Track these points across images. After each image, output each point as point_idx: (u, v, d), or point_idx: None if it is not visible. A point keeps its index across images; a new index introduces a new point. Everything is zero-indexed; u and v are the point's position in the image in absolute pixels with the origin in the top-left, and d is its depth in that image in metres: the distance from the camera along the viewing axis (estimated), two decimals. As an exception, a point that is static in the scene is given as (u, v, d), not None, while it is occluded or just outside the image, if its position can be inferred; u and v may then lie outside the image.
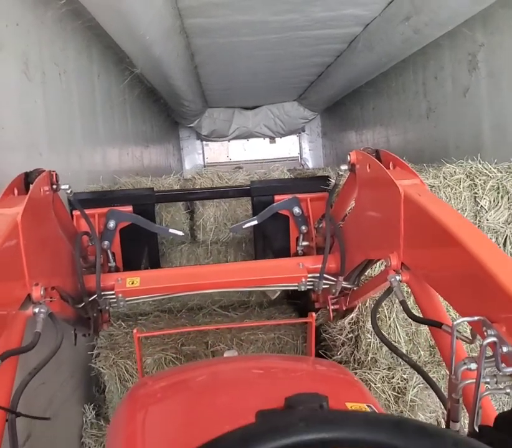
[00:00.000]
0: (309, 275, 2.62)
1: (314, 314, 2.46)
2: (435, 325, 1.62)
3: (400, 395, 2.98)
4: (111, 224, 2.94)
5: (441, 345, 1.69)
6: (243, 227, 3.09)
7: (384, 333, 2.78)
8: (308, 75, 7.99)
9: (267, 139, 11.73)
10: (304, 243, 3.10)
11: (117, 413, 1.79)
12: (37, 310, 1.68)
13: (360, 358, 3.13)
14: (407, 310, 1.79)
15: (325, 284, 2.64)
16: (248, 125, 10.91)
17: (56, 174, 2.21)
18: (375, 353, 3.10)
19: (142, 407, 1.73)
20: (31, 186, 1.96)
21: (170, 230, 3.07)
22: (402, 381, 3.00)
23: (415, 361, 2.00)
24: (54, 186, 2.20)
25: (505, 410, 1.35)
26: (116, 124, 5.55)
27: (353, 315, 3.10)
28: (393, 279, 1.84)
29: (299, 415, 0.88)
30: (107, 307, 2.62)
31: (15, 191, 1.95)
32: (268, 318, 4.04)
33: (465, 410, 1.35)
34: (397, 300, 3.08)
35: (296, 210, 3.06)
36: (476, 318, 1.28)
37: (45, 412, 2.85)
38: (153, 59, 4.83)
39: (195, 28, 4.90)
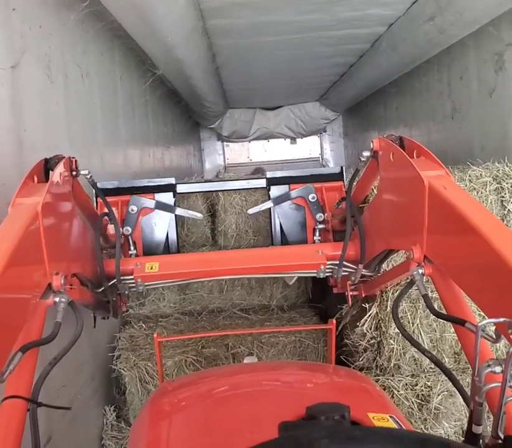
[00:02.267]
0: (328, 262, 2.57)
1: (334, 321, 2.41)
2: (458, 322, 1.57)
3: (424, 402, 2.93)
4: (133, 209, 2.99)
5: (465, 342, 1.64)
6: (259, 209, 3.22)
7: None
8: (330, 75, 7.93)
9: (288, 140, 11.66)
10: (321, 226, 3.07)
11: (138, 420, 1.78)
12: (57, 299, 1.69)
13: (382, 364, 3.09)
14: (429, 305, 1.74)
15: (344, 271, 2.59)
16: (269, 126, 10.87)
17: (75, 160, 2.20)
18: (398, 360, 3.05)
19: (163, 415, 1.71)
20: (51, 173, 1.95)
21: (190, 212, 3.22)
22: (425, 388, 2.95)
23: (437, 357, 1.93)
24: (74, 173, 2.19)
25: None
26: (138, 125, 5.56)
27: (369, 320, 3.06)
28: (416, 272, 1.79)
29: (322, 431, 0.86)
30: (126, 292, 2.62)
31: (35, 179, 1.94)
32: (289, 321, 4.01)
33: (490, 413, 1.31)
34: (420, 305, 3.06)
35: (312, 196, 3.07)
36: (501, 319, 1.24)
37: (65, 414, 2.85)
38: (175, 60, 4.82)
39: (217, 29, 4.88)
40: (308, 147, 11.90)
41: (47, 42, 3.01)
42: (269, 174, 3.29)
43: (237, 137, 11.06)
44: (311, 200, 3.07)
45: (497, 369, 1.19)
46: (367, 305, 3.13)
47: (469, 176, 3.18)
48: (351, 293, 2.75)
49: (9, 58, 2.51)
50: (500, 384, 1.15)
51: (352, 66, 7.02)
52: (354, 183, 2.62)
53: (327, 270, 2.60)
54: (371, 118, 9.21)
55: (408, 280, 1.94)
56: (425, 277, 1.81)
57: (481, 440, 1.24)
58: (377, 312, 3.08)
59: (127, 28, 3.92)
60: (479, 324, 1.24)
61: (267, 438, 0.85)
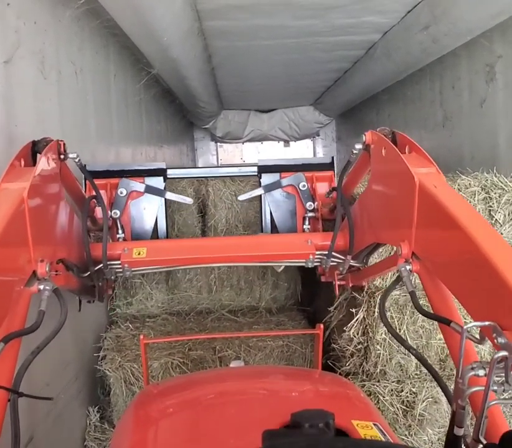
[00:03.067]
0: (317, 252, 2.59)
1: (322, 326, 2.41)
2: (443, 321, 1.58)
3: (408, 409, 2.94)
4: (122, 192, 2.97)
5: (450, 342, 1.64)
6: (250, 196, 3.26)
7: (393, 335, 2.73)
8: (325, 80, 7.96)
9: (281, 142, 11.68)
10: (311, 214, 3.08)
11: (121, 423, 1.77)
12: (42, 286, 1.66)
13: (369, 369, 3.09)
14: (415, 302, 1.74)
15: (333, 261, 2.61)
16: (263, 128, 10.88)
17: (64, 143, 2.16)
18: (385, 365, 3.06)
19: (147, 419, 1.69)
20: (38, 156, 1.91)
21: (180, 196, 3.23)
22: (411, 394, 2.96)
23: (422, 354, 1.93)
24: (62, 156, 2.15)
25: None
26: (131, 123, 5.53)
27: (356, 325, 3.07)
28: (403, 269, 1.79)
29: (304, 442, 0.86)
30: (112, 277, 2.59)
31: (22, 162, 1.89)
32: (277, 324, 4.01)
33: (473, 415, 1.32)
34: (407, 311, 3.06)
35: (302, 184, 3.10)
36: (486, 323, 1.25)
37: (48, 413, 2.82)
38: (170, 60, 4.81)
39: (213, 31, 4.88)
40: (301, 151, 11.91)
41: (41, 37, 2.99)
42: (260, 162, 3.28)
43: (231, 138, 11.06)
44: (301, 188, 3.10)
45: (481, 372, 1.20)
46: (353, 310, 3.14)
47: (459, 185, 3.21)
48: (338, 282, 2.78)
49: (2, 52, 2.49)
50: (483, 388, 1.15)
51: (347, 72, 7.05)
52: (345, 175, 2.62)
53: (315, 260, 2.62)
54: (364, 124, 9.23)
55: (396, 277, 1.94)
56: (412, 274, 1.81)
57: (462, 443, 1.25)
58: (364, 317, 3.09)
59: (123, 26, 3.90)
60: (465, 327, 1.24)
61: (251, 445, 0.84)
